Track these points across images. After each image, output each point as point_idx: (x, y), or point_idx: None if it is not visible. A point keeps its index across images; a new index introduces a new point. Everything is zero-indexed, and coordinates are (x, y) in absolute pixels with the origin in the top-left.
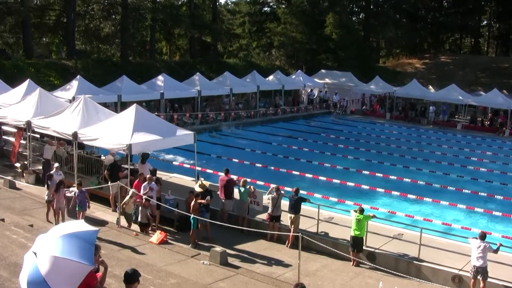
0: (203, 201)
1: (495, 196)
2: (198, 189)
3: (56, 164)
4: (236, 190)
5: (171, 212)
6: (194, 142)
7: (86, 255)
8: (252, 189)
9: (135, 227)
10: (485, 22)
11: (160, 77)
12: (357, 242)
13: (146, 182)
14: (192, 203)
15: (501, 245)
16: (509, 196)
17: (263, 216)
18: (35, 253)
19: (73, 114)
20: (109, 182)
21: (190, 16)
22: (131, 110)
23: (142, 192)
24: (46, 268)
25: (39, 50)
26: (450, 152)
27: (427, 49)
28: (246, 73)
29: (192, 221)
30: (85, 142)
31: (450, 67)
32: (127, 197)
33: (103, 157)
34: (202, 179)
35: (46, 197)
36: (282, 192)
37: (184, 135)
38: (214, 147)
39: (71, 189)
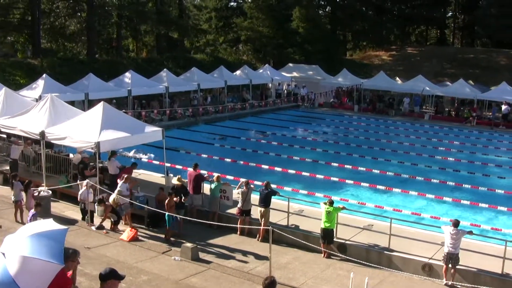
0: (176, 199)
1: (463, 185)
2: (176, 182)
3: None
4: (207, 186)
5: (141, 209)
6: (162, 138)
7: (55, 254)
8: (226, 185)
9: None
10: (450, 13)
11: (127, 74)
12: (327, 234)
13: (124, 182)
14: (167, 201)
15: (472, 232)
16: (477, 185)
17: (234, 211)
18: (3, 254)
19: (40, 113)
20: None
21: (156, 12)
22: (99, 108)
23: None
24: (15, 268)
25: (4, 49)
26: (418, 143)
27: (393, 41)
28: (213, 69)
29: (167, 219)
30: (53, 141)
31: (417, 59)
32: (114, 195)
33: (71, 156)
34: (172, 175)
35: (12, 198)
36: (252, 186)
37: (153, 132)
38: (183, 143)
39: (39, 188)
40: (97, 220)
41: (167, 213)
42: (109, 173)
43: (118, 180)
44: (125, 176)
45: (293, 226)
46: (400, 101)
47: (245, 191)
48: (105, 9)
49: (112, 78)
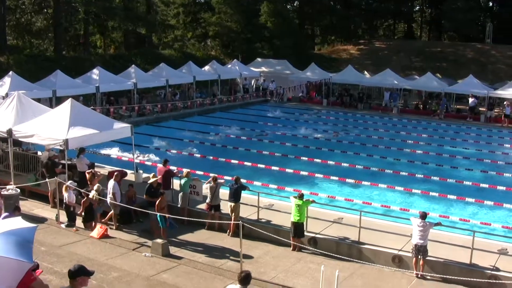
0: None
1: (432, 177)
2: (152, 179)
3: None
4: (176, 181)
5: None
6: (131, 134)
7: (24, 253)
8: (196, 181)
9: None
10: (417, 7)
11: (95, 71)
12: (298, 228)
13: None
14: (158, 202)
15: (440, 223)
16: (445, 177)
17: (204, 206)
18: None
19: (7, 111)
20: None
21: (124, 8)
22: (67, 104)
23: (112, 191)
24: None
25: None
26: (387, 136)
27: (361, 35)
28: (182, 64)
29: (159, 220)
30: (20, 139)
31: (385, 53)
32: (94, 193)
33: (39, 153)
34: (141, 171)
35: None
36: (221, 181)
37: (121, 128)
38: (152, 139)
39: (7, 187)
40: (65, 217)
41: (158, 214)
42: (77, 170)
43: (111, 181)
44: (116, 174)
45: (264, 220)
46: (369, 96)
47: (213, 186)
48: (72, 5)
49: (79, 75)
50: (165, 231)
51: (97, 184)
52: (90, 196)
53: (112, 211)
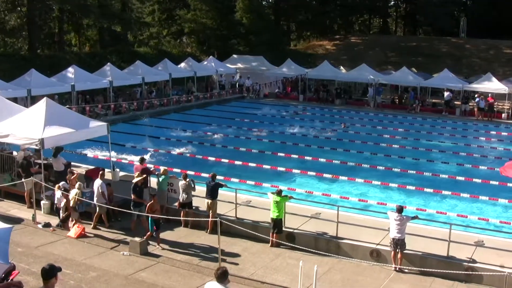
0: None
1: (408, 171)
2: (137, 178)
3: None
4: (154, 179)
5: (88, 205)
6: (108, 133)
7: (0, 254)
8: (173, 178)
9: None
10: (392, 2)
11: (71, 69)
12: (277, 224)
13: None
14: (149, 204)
15: (417, 217)
16: (422, 170)
17: None
18: None
19: None
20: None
21: (98, 6)
22: (42, 104)
23: (100, 190)
24: None
25: None
26: (363, 131)
27: (337, 31)
28: (157, 62)
29: (149, 224)
30: None
31: (360, 48)
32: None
33: (15, 153)
34: (118, 169)
35: None
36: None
37: (98, 127)
38: (128, 137)
39: None
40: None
41: (150, 216)
42: (54, 170)
43: (97, 180)
44: (101, 172)
45: (241, 217)
46: (346, 91)
47: (185, 183)
48: (46, 3)
49: (55, 74)
50: (150, 235)
51: (79, 183)
52: (73, 194)
53: (98, 211)
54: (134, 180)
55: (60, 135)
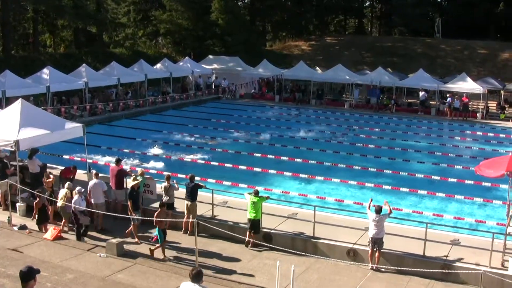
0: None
1: (384, 170)
2: (133, 182)
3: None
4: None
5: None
6: (83, 134)
7: None
8: (149, 180)
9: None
10: (368, 3)
11: (45, 70)
12: (254, 224)
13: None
14: (156, 213)
15: (391, 211)
16: (398, 170)
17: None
18: None
19: None
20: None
21: (73, 6)
22: (17, 105)
23: (102, 189)
24: None
25: None
26: (339, 131)
27: (313, 31)
28: (133, 62)
29: (158, 236)
30: None
31: (336, 48)
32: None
33: None
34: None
35: None
36: (174, 181)
37: (73, 128)
38: (104, 139)
39: None
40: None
41: (157, 228)
42: (29, 171)
43: (94, 180)
44: (95, 173)
45: (219, 217)
46: (324, 91)
47: (167, 185)
48: (20, 4)
49: (29, 75)
50: (163, 248)
51: (68, 182)
52: (62, 194)
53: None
54: (130, 185)
55: (35, 137)
